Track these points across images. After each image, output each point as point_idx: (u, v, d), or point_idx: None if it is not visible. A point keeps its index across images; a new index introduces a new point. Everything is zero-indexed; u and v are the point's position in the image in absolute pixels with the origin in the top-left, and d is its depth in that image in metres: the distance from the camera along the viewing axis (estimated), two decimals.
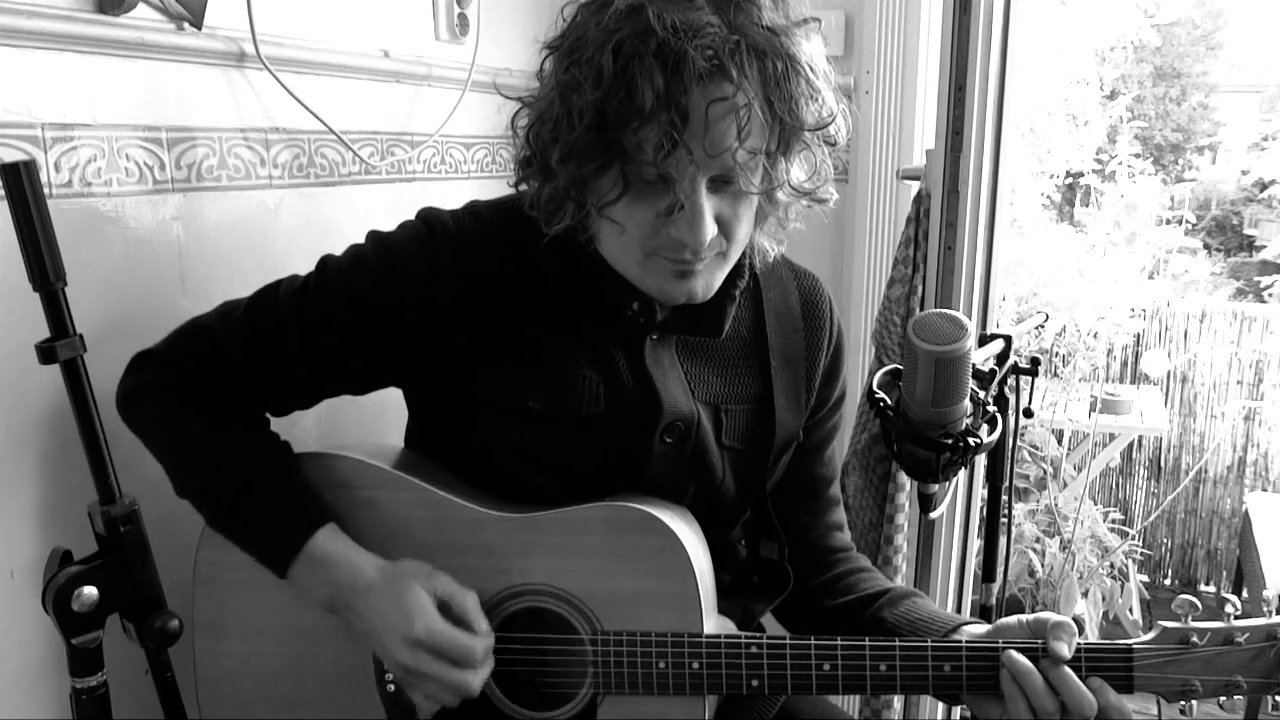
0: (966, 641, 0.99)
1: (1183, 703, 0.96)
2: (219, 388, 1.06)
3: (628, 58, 0.85)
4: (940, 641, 1.00)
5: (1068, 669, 0.94)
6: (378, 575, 1.01)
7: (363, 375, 1.10)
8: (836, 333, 1.19)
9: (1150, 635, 0.97)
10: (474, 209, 1.07)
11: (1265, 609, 0.98)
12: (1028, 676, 0.94)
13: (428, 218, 1.05)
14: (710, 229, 0.93)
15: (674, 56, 0.85)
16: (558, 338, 1.05)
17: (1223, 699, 0.96)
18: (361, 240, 1.08)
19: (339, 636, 1.05)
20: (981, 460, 1.66)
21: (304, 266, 1.09)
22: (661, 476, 1.08)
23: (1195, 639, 0.95)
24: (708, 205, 0.92)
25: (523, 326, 1.04)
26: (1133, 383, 4.21)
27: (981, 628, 1.03)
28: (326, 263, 1.07)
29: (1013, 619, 1.00)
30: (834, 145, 0.98)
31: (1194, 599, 0.96)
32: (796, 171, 0.97)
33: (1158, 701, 0.98)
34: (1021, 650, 0.96)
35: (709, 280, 0.99)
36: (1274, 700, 0.97)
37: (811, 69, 0.91)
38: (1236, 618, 0.96)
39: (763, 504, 1.17)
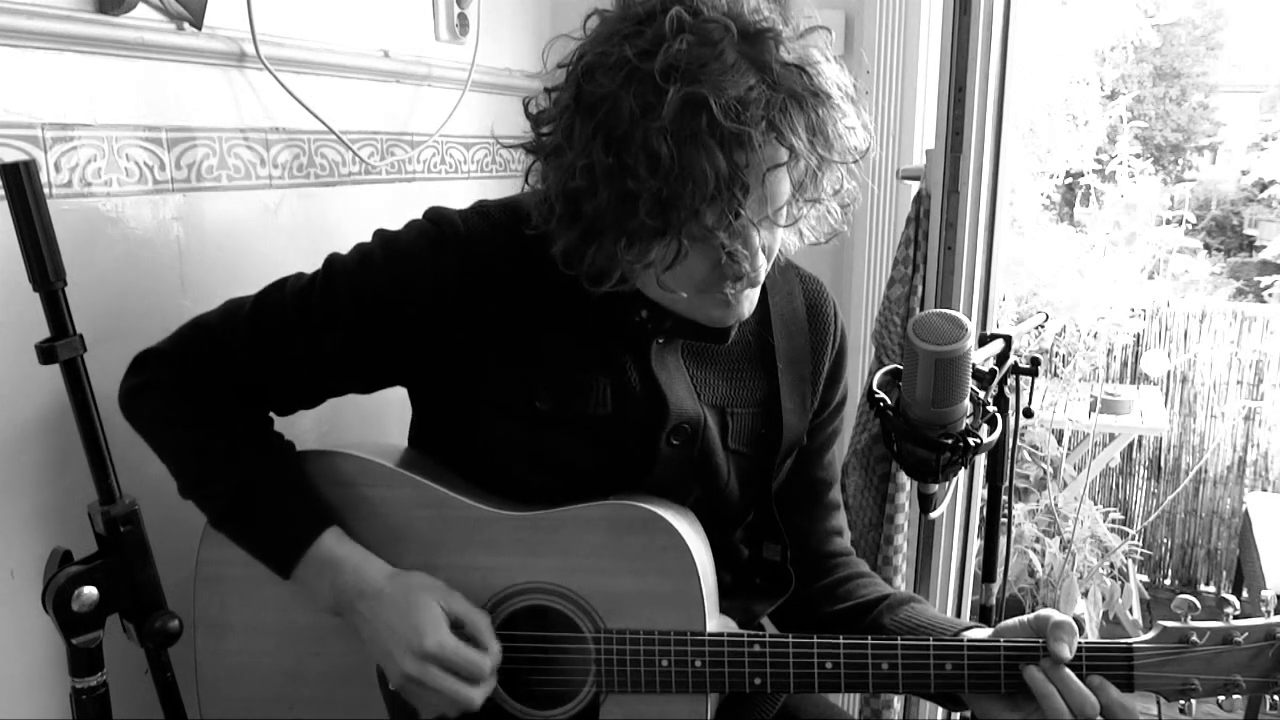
0: (968, 640, 0.99)
1: (1182, 702, 0.96)
2: (222, 387, 1.06)
3: (683, 141, 0.84)
4: (942, 640, 1.00)
5: (1068, 670, 0.94)
6: (387, 584, 1.01)
7: (369, 374, 1.10)
8: (840, 336, 1.20)
9: (1150, 635, 0.97)
10: (482, 209, 1.06)
11: (1264, 609, 0.98)
12: (1060, 689, 0.94)
13: (435, 218, 1.05)
14: (765, 267, 0.96)
15: (732, 137, 0.84)
16: (564, 339, 1.05)
17: (1222, 698, 0.96)
18: (365, 240, 1.07)
19: (341, 635, 1.05)
20: (981, 460, 1.66)
21: (304, 266, 1.09)
22: (667, 478, 1.08)
23: (1195, 638, 0.95)
24: (761, 249, 0.94)
25: (529, 327, 1.04)
26: (1133, 383, 4.21)
27: (984, 632, 1.02)
28: (332, 262, 1.07)
29: (1014, 620, 1.00)
30: (862, 158, 0.98)
31: (1193, 599, 0.96)
32: (828, 187, 0.98)
33: (1158, 701, 0.98)
34: (1022, 650, 0.96)
35: (752, 301, 1.02)
36: (1273, 700, 0.97)
37: (842, 95, 0.92)
38: (1236, 617, 0.96)
39: (767, 506, 1.17)
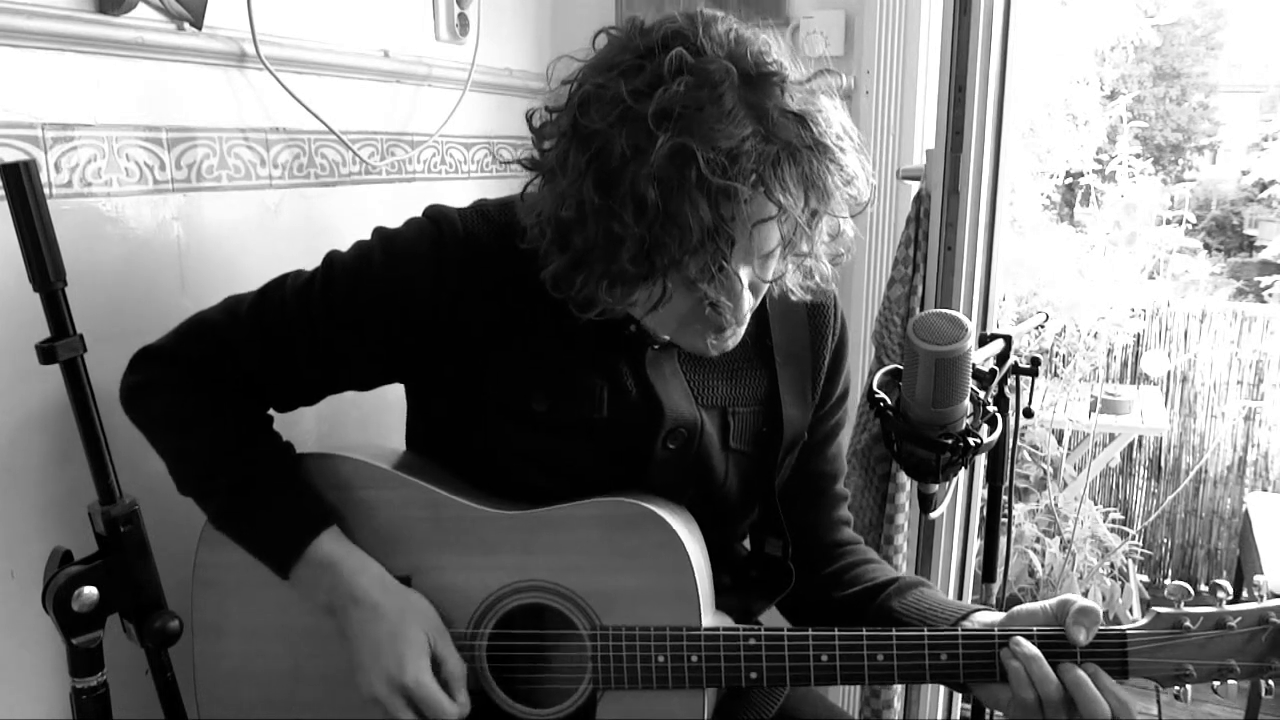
0: (963, 631, 0.99)
1: (1177, 688, 0.97)
2: (223, 384, 1.06)
3: (670, 191, 0.83)
4: (937, 631, 1.00)
5: (1041, 659, 0.95)
6: (383, 599, 1.02)
7: (367, 372, 1.10)
8: (840, 327, 1.19)
9: (1144, 620, 0.97)
10: (481, 209, 1.06)
11: (1255, 594, 0.98)
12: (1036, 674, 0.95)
13: (435, 216, 1.05)
14: (750, 308, 0.95)
15: (719, 191, 0.82)
16: (561, 341, 1.05)
17: (1217, 684, 0.96)
18: (365, 238, 1.08)
19: (339, 637, 1.05)
20: (981, 460, 1.66)
21: (304, 266, 1.09)
22: (662, 480, 1.08)
23: (1188, 624, 0.96)
24: (746, 291, 0.93)
25: (526, 328, 1.04)
26: (1133, 383, 4.21)
27: (993, 615, 1.02)
28: (333, 259, 1.07)
29: (1035, 605, 1.00)
30: (860, 211, 0.96)
31: (1187, 585, 0.97)
32: (819, 239, 0.95)
33: (1158, 701, 0.98)
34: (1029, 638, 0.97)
35: (738, 335, 1.00)
36: (1268, 684, 0.97)
37: (841, 148, 0.89)
38: (1229, 603, 0.96)
39: (770, 503, 1.17)
